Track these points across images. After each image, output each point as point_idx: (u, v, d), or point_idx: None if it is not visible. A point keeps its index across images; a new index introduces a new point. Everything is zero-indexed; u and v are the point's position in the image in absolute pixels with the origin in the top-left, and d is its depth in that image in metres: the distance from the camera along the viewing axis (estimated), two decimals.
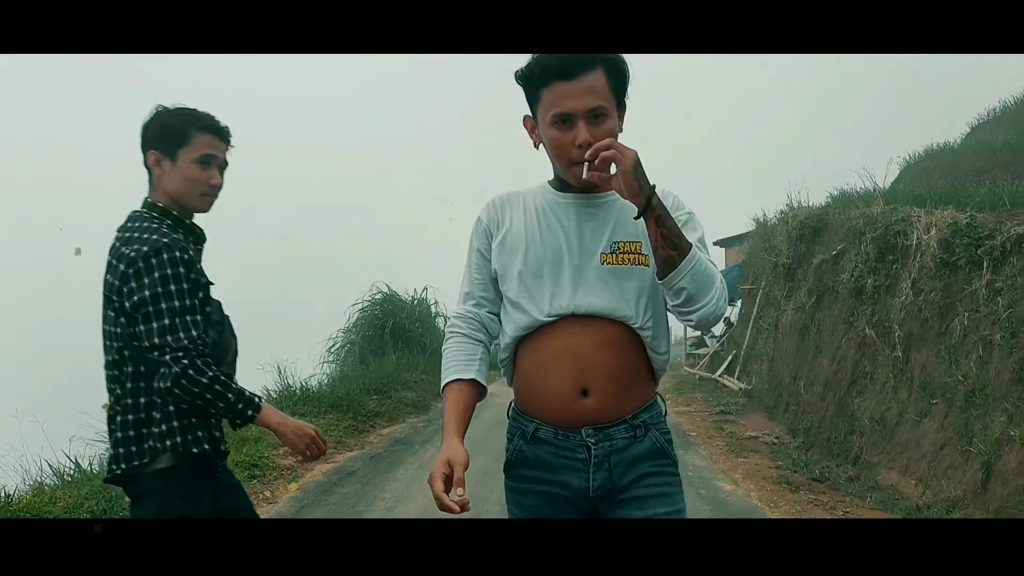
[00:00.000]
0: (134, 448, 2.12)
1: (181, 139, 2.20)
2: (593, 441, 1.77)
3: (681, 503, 1.82)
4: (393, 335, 14.16)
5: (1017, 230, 5.38)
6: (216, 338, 2.23)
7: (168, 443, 2.12)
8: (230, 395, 2.12)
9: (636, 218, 1.68)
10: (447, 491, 1.62)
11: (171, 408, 2.13)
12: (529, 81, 1.76)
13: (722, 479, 6.18)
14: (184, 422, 2.14)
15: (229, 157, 2.30)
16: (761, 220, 13.22)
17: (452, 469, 1.66)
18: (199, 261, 2.25)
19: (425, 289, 15.93)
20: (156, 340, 2.07)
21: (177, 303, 2.09)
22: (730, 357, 12.56)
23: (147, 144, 2.23)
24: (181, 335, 2.08)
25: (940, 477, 5.27)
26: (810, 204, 10.65)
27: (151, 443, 2.12)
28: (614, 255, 1.79)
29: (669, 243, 1.66)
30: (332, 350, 14.93)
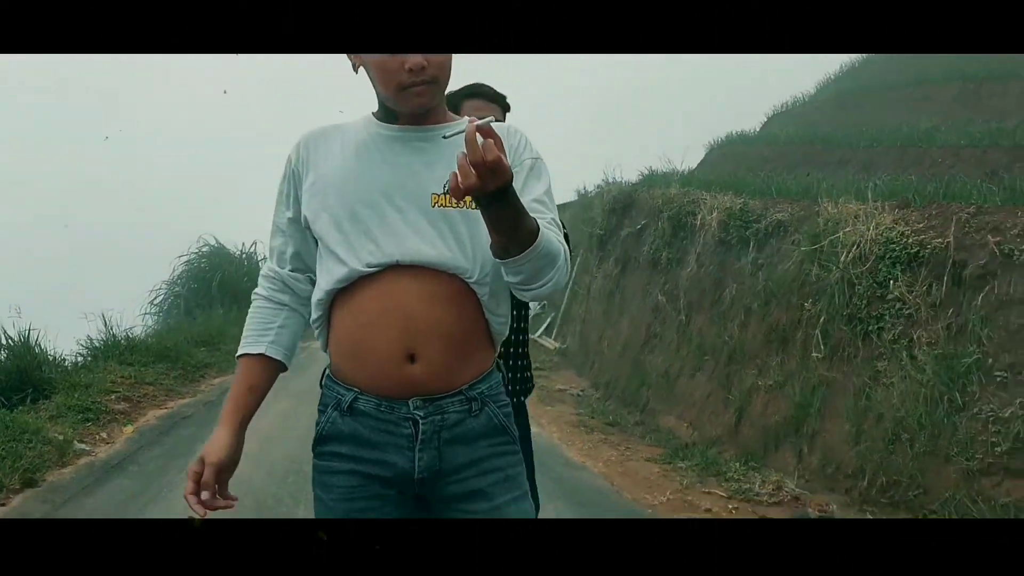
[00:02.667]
0: None
1: (454, 111, 2.73)
2: (422, 415, 1.52)
3: (526, 484, 1.62)
4: (221, 288, 14.14)
5: (778, 216, 6.45)
6: None
7: None
8: None
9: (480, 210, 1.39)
10: (198, 491, 1.51)
11: None
12: None
13: (530, 423, 6.99)
14: None
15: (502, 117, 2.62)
16: (582, 192, 14.22)
17: (203, 468, 1.53)
18: None
19: (255, 243, 15.95)
20: None
21: None
22: (548, 319, 13.53)
23: None
24: None
25: (705, 421, 6.32)
26: (623, 181, 11.60)
27: None
28: (448, 196, 1.50)
29: (504, 233, 1.41)
30: (155, 302, 14.70)
